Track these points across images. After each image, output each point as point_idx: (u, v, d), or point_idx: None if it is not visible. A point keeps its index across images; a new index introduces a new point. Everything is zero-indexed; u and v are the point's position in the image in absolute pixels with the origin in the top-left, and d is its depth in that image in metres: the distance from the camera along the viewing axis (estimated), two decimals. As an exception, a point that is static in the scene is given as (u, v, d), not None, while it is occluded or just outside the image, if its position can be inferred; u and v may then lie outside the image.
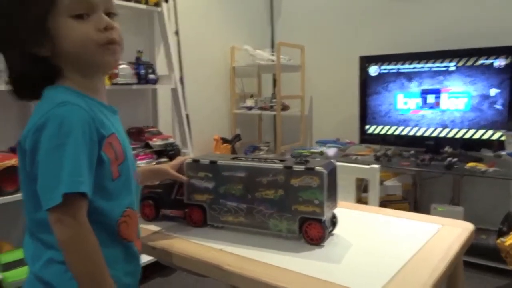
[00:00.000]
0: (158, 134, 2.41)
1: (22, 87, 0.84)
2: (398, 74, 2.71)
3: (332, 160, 1.13)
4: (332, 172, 1.09)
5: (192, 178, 1.19)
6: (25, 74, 0.81)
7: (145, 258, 1.16)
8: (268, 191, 1.09)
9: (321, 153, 1.20)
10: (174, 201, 1.23)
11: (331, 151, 2.73)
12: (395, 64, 2.71)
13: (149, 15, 2.51)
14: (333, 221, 1.15)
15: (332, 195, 1.10)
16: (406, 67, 2.68)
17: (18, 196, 1.71)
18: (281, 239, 1.11)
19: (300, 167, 1.06)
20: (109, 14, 0.82)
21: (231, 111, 3.24)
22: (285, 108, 3.09)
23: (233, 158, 1.18)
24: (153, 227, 1.21)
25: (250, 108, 3.16)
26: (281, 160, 1.12)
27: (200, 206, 1.19)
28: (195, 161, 1.18)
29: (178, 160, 1.21)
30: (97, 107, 0.82)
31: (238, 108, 3.24)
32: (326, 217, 1.06)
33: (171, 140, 2.40)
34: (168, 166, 1.18)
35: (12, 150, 1.82)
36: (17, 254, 1.69)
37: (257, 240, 1.10)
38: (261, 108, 3.12)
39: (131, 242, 0.88)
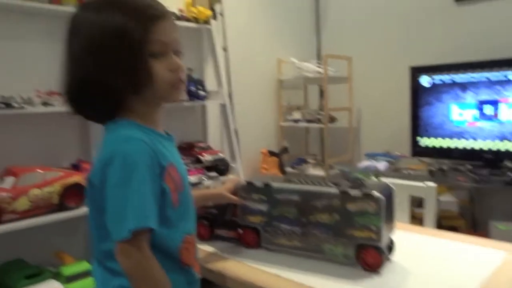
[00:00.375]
0: (208, 149, 2.46)
1: (89, 111, 0.87)
2: (452, 84, 2.60)
3: (389, 184, 1.11)
4: (389, 197, 1.07)
5: (246, 199, 1.20)
6: (97, 102, 0.84)
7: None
8: (323, 215, 1.08)
9: (377, 177, 1.18)
10: (228, 222, 1.25)
11: (381, 165, 2.66)
12: (449, 74, 2.60)
13: (198, 32, 2.58)
14: (390, 246, 1.12)
15: (389, 219, 1.08)
16: (460, 77, 2.56)
17: (80, 211, 1.81)
18: (336, 264, 1.09)
19: (357, 192, 1.04)
20: (176, 52, 0.86)
21: (278, 124, 3.24)
22: (332, 120, 3.06)
23: (287, 181, 1.19)
24: (208, 248, 1.23)
25: (297, 121, 3.15)
26: (336, 184, 1.11)
27: (254, 228, 1.20)
28: (249, 183, 1.20)
29: (232, 183, 1.24)
30: (157, 138, 0.85)
31: (285, 120, 3.24)
32: (383, 243, 1.04)
33: (220, 155, 2.44)
34: (223, 190, 1.21)
35: (74, 167, 1.92)
36: (80, 267, 1.77)
37: (312, 265, 1.10)
38: (308, 121, 3.11)
39: (191, 267, 0.90)
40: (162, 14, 0.84)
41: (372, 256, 1.04)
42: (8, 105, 1.67)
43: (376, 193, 1.02)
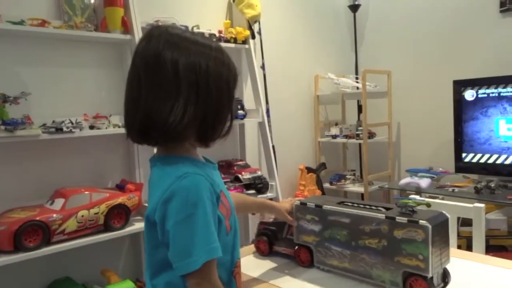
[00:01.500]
0: (246, 167, 2.47)
1: (146, 139, 0.86)
2: (499, 98, 2.50)
3: (443, 212, 1.07)
4: (442, 225, 1.03)
5: (300, 219, 1.24)
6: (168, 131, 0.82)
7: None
8: (372, 239, 1.08)
9: (429, 205, 1.15)
10: (285, 240, 1.31)
11: (424, 183, 2.58)
12: (495, 88, 2.51)
13: (237, 52, 2.61)
14: (445, 277, 1.08)
15: (443, 249, 1.04)
16: (507, 90, 2.46)
17: (124, 231, 1.85)
18: None
19: (403, 219, 1.02)
20: None
21: (316, 139, 3.22)
22: (371, 135, 3.00)
23: (339, 203, 1.20)
24: (269, 263, 1.30)
25: (335, 136, 3.12)
26: (387, 209, 1.11)
27: (308, 247, 1.24)
28: (303, 204, 1.24)
29: (290, 203, 1.28)
30: (205, 169, 0.87)
31: (322, 136, 3.22)
32: (434, 273, 1.00)
33: (258, 173, 2.44)
34: (283, 208, 1.25)
35: (119, 187, 1.98)
36: (123, 286, 1.81)
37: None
38: (346, 136, 3.07)
39: None
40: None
41: (419, 286, 1.01)
42: (58, 130, 1.74)
43: (423, 221, 0.99)
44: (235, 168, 2.42)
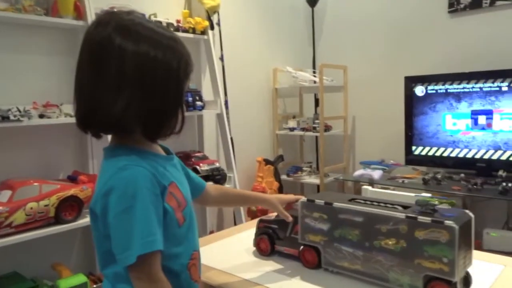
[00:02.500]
0: (204, 158, 2.46)
1: (88, 127, 0.84)
2: (446, 94, 2.64)
3: (466, 211, 1.01)
4: (466, 225, 0.96)
5: (306, 217, 1.16)
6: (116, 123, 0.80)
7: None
8: (388, 240, 1.00)
9: (453, 204, 1.09)
10: (288, 239, 1.23)
11: (376, 174, 2.68)
12: (443, 84, 2.64)
13: (195, 43, 2.59)
14: (467, 281, 1.01)
15: (467, 251, 0.98)
16: (454, 87, 2.60)
17: (76, 224, 1.80)
18: None
19: (427, 219, 0.94)
20: None
21: (274, 132, 3.26)
22: (327, 128, 3.08)
23: (350, 200, 1.12)
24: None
25: (292, 129, 3.17)
26: (404, 207, 1.04)
27: (315, 247, 1.15)
28: (310, 200, 1.15)
29: (289, 197, 1.23)
30: (154, 160, 0.85)
31: (280, 129, 3.26)
32: (458, 277, 0.93)
33: (217, 165, 2.44)
34: (276, 200, 1.20)
35: (70, 179, 1.91)
36: (75, 280, 1.77)
37: None
38: (303, 129, 3.12)
39: (198, 284, 0.92)
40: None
41: None
42: (5, 118, 1.66)
43: (449, 221, 0.92)
44: (193, 159, 2.41)
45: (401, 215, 0.98)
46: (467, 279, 1.01)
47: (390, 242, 1.00)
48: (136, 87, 0.78)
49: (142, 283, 0.77)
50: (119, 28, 0.79)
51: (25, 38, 1.92)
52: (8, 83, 1.88)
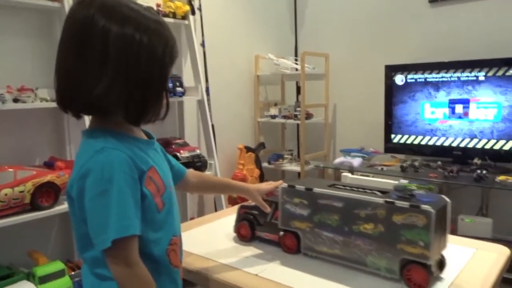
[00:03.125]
0: (185, 145, 2.44)
1: (68, 107, 0.82)
2: (425, 83, 2.67)
3: (443, 196, 1.03)
4: (442, 210, 0.98)
5: (287, 203, 1.17)
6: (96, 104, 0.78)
7: None
8: (367, 225, 1.02)
9: (430, 189, 1.13)
10: (269, 225, 1.24)
11: (356, 162, 2.71)
12: (422, 73, 2.68)
13: (176, 28, 2.54)
14: (441, 263, 1.04)
15: (442, 235, 1.00)
16: (433, 76, 2.64)
17: (53, 210, 1.77)
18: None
19: (404, 204, 0.96)
20: None
21: (255, 119, 3.25)
22: (308, 116, 3.09)
23: (331, 186, 1.14)
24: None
25: (274, 117, 3.17)
26: (383, 192, 1.06)
27: (294, 232, 1.16)
28: (291, 186, 1.16)
29: (269, 185, 1.23)
30: (134, 143, 0.84)
31: (262, 116, 3.25)
32: (433, 260, 0.96)
33: (197, 152, 2.42)
34: (255, 189, 1.20)
35: (47, 165, 1.87)
36: (53, 267, 1.74)
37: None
38: (285, 117, 3.13)
39: (178, 270, 0.92)
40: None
41: (419, 274, 0.96)
42: (-23, 102, 1.60)
43: (425, 206, 0.94)
44: (173, 146, 2.39)
45: (380, 200, 1.00)
46: (441, 262, 1.03)
47: (368, 227, 1.02)
48: (119, 69, 0.76)
49: (118, 267, 0.76)
50: (103, 9, 0.76)
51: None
52: (-20, 65, 1.81)
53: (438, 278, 1.01)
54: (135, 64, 0.77)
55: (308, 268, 1.09)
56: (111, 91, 0.76)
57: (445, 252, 1.05)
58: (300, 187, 1.14)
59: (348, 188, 1.10)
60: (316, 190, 1.10)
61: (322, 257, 1.12)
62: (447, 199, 1.02)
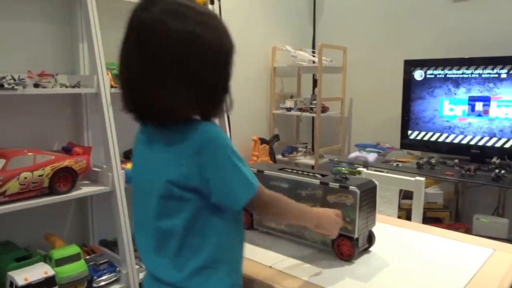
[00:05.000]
0: (200, 135, 2.45)
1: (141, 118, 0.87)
2: (445, 79, 2.63)
3: (373, 180, 1.16)
4: (370, 191, 1.12)
5: None
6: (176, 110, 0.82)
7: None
8: (307, 203, 1.13)
9: (359, 173, 1.25)
10: None
11: (371, 157, 2.69)
12: (442, 69, 2.63)
13: (194, 17, 2.54)
14: (370, 239, 1.18)
15: (370, 213, 1.13)
16: (453, 73, 2.59)
17: (70, 195, 1.79)
18: (316, 250, 1.18)
19: (335, 185, 1.10)
20: None
21: (271, 111, 3.24)
22: (324, 109, 3.07)
23: (280, 169, 1.26)
24: None
25: (289, 109, 3.15)
26: (323, 175, 1.18)
27: (248, 210, 1.27)
28: None
29: None
30: None
31: (277, 108, 3.24)
32: (359, 235, 1.10)
33: (212, 142, 2.43)
34: None
35: (65, 150, 1.90)
36: (69, 250, 1.77)
37: (296, 249, 1.19)
38: (300, 109, 3.11)
39: None
40: None
41: (346, 246, 1.11)
42: (-1, 86, 1.63)
43: (352, 187, 1.07)
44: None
45: (317, 182, 1.13)
46: (370, 238, 1.18)
47: (308, 205, 1.11)
48: (194, 75, 0.78)
49: (266, 201, 0.88)
50: (167, 11, 0.77)
51: (20, 4, 1.87)
52: (3, 51, 1.84)
53: (454, 279, 1.01)
54: (207, 67, 0.80)
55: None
56: (189, 98, 0.80)
57: (461, 252, 1.12)
58: (253, 170, 1.28)
59: (295, 171, 1.23)
60: (267, 172, 1.23)
61: (271, 232, 1.28)
62: (376, 182, 1.15)
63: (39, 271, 1.64)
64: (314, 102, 3.01)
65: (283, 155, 3.18)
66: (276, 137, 3.17)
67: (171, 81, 0.77)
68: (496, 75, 2.44)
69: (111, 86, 1.95)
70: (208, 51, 0.79)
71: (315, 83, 3.37)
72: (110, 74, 1.96)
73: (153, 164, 0.86)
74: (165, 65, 0.76)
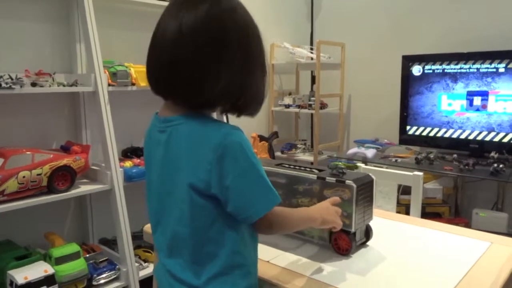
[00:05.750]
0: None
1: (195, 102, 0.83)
2: (443, 74, 2.63)
3: (369, 174, 1.15)
4: (367, 185, 1.11)
5: None
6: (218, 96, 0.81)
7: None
8: (304, 198, 1.15)
9: (356, 167, 1.25)
10: None
11: (370, 153, 2.69)
12: (440, 64, 2.63)
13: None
14: (368, 233, 1.17)
15: (367, 207, 1.12)
16: (451, 68, 2.59)
17: (69, 194, 1.80)
18: (314, 245, 1.17)
19: (332, 179, 1.10)
20: None
21: (269, 108, 3.24)
22: (323, 106, 3.07)
23: (277, 165, 1.25)
24: None
25: (288, 106, 3.15)
26: (320, 170, 1.17)
27: None
28: None
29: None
30: None
31: (276, 105, 3.24)
32: (357, 229, 1.10)
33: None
34: None
35: (63, 149, 1.90)
36: (68, 249, 1.78)
37: (295, 245, 1.18)
38: (299, 106, 3.11)
39: None
40: None
41: (343, 241, 1.11)
42: (-4, 85, 1.63)
43: (349, 181, 1.07)
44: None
45: (314, 176, 1.13)
46: (368, 232, 1.17)
47: (305, 200, 1.15)
48: (259, 67, 0.83)
49: (280, 220, 0.85)
50: (231, 10, 0.83)
51: (17, 4, 1.87)
52: (0, 50, 1.84)
53: (452, 272, 1.01)
54: (262, 59, 0.85)
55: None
56: (251, 87, 0.83)
57: (459, 244, 1.14)
58: None
59: (292, 166, 1.22)
60: (264, 168, 1.21)
61: None
62: (373, 176, 1.14)
63: (39, 269, 1.64)
64: (313, 99, 3.01)
65: (282, 152, 3.18)
66: (275, 134, 3.18)
67: (249, 75, 0.82)
68: (494, 70, 2.43)
69: (109, 85, 1.96)
70: (262, 46, 0.86)
71: (313, 80, 3.37)
72: (107, 73, 1.96)
73: (172, 162, 0.83)
74: (243, 59, 0.81)
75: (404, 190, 2.34)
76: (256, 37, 0.85)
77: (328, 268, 1.04)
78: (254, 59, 0.83)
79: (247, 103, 0.85)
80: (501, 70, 2.41)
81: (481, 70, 2.48)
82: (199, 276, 0.82)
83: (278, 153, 3.17)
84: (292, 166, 1.23)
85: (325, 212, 0.97)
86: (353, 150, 2.80)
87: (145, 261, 2.07)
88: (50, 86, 1.81)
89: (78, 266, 1.77)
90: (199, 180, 0.78)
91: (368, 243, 1.18)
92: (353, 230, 1.08)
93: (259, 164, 0.80)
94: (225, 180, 0.77)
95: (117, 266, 1.93)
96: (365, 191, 1.10)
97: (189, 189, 0.79)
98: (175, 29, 0.78)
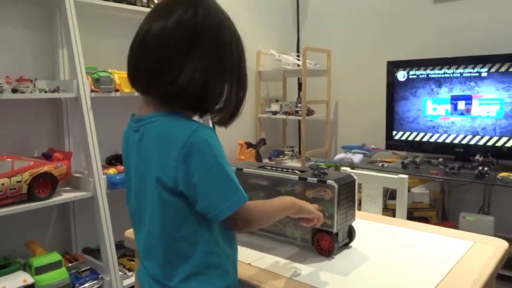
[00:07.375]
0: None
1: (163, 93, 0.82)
2: (427, 79, 2.65)
3: (351, 174, 1.15)
4: (349, 185, 1.10)
5: None
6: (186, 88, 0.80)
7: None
8: None
9: (338, 167, 1.24)
10: None
11: (356, 158, 2.69)
12: (424, 70, 2.65)
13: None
14: (351, 234, 1.17)
15: (349, 208, 1.11)
16: (435, 73, 2.62)
17: (50, 201, 1.77)
18: (296, 247, 1.16)
19: (313, 180, 1.09)
20: None
21: (257, 115, 3.24)
22: (310, 112, 3.07)
23: (259, 167, 1.24)
24: None
25: (275, 113, 3.15)
26: (302, 171, 1.16)
27: None
28: None
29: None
30: None
31: (263, 112, 3.24)
32: (339, 229, 1.09)
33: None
34: None
35: (45, 156, 1.87)
36: (49, 258, 1.74)
37: (277, 246, 1.17)
38: (286, 113, 3.11)
39: None
40: None
41: (326, 241, 1.10)
42: (-25, 91, 1.60)
43: (330, 181, 1.06)
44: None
45: (295, 177, 1.12)
46: (350, 233, 1.16)
47: None
48: (231, 74, 0.86)
49: (252, 215, 0.83)
50: (205, 15, 0.85)
51: (-3, 10, 1.86)
52: (-20, 56, 1.82)
53: (434, 271, 1.00)
54: (243, 65, 0.89)
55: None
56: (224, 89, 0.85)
57: (442, 244, 1.13)
58: (232, 168, 1.23)
59: (274, 168, 1.21)
60: (246, 170, 1.22)
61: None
62: (354, 176, 1.13)
63: (18, 279, 1.61)
64: (300, 105, 3.02)
65: (270, 159, 3.18)
66: (262, 141, 3.17)
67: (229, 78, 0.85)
68: (477, 74, 2.46)
69: (92, 91, 1.94)
70: (238, 52, 0.88)
71: (300, 86, 3.38)
72: (90, 78, 1.95)
73: (144, 161, 0.83)
74: (231, 63, 0.85)
75: (392, 195, 2.34)
76: (231, 45, 0.86)
77: (310, 269, 1.03)
78: (223, 64, 0.83)
79: (213, 107, 0.85)
80: (484, 74, 2.44)
81: (464, 75, 2.51)
82: (172, 276, 0.80)
83: (266, 160, 3.15)
84: (274, 168, 1.22)
85: (302, 201, 0.96)
86: (340, 155, 2.81)
87: (129, 270, 2.03)
88: (31, 92, 1.78)
89: (59, 276, 1.73)
90: (167, 177, 0.77)
91: (351, 244, 1.17)
92: (335, 230, 1.07)
93: (226, 162, 0.79)
94: (192, 177, 0.76)
95: (100, 275, 1.89)
96: (347, 191, 1.09)
97: (157, 185, 0.78)
98: (147, 29, 0.81)
